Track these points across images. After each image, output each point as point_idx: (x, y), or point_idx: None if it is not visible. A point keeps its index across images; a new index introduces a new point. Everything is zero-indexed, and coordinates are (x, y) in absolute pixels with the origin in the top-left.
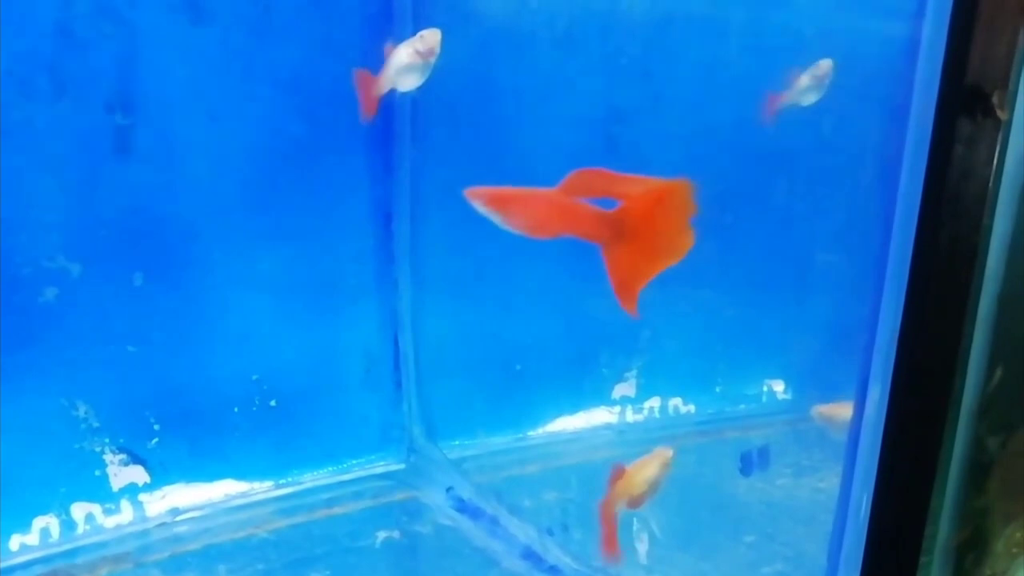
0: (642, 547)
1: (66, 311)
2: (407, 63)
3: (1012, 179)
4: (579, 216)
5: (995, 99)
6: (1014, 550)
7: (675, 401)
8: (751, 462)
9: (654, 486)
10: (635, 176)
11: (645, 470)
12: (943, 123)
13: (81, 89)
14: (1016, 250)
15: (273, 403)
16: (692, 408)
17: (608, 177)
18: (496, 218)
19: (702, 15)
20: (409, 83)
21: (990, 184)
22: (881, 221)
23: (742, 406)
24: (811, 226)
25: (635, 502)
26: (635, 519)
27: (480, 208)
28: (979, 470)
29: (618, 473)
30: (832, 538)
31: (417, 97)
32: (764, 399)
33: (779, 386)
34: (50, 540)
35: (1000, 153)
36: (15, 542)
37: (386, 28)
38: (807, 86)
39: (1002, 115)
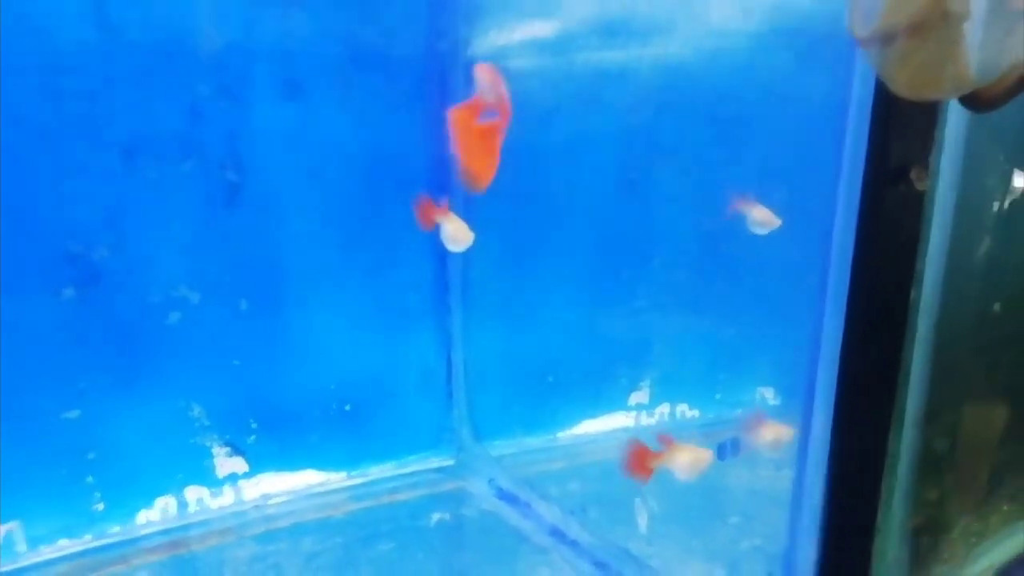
0: (643, 522)
1: (186, 331)
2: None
3: (941, 231)
4: None
5: (913, 174)
6: (972, 539)
7: (682, 407)
8: (726, 449)
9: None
10: None
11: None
12: (871, 192)
13: (202, 153)
14: (949, 288)
15: (347, 408)
16: (696, 413)
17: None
18: None
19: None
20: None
21: (919, 236)
22: (822, 265)
23: (738, 410)
24: (780, 266)
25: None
26: (637, 500)
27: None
28: (930, 466)
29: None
30: (791, 516)
31: None
32: (757, 404)
33: (769, 393)
34: (169, 516)
35: (927, 213)
36: (142, 517)
37: (442, 100)
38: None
39: (921, 186)
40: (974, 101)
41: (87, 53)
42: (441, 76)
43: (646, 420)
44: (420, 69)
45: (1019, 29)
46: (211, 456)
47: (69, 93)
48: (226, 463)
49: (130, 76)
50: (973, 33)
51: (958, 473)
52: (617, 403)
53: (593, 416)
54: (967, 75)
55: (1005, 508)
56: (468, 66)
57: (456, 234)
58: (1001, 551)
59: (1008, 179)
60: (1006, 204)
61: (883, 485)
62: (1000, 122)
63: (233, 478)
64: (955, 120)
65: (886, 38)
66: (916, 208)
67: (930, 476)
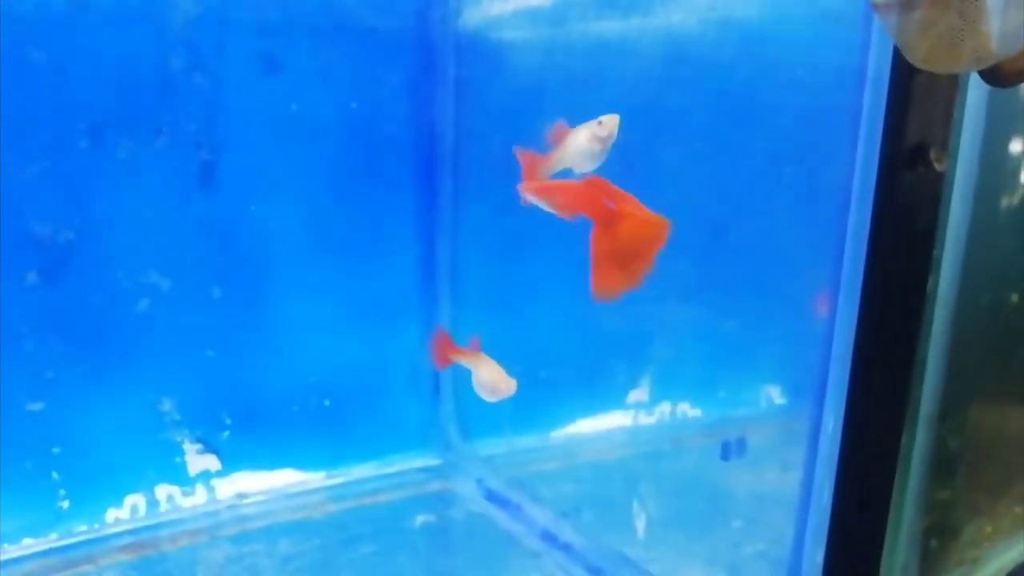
0: (640, 525)
1: (156, 320)
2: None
3: (959, 216)
4: (593, 202)
5: (933, 154)
6: (983, 542)
7: (683, 406)
8: (729, 449)
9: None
10: (634, 198)
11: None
12: (888, 173)
13: (174, 130)
14: (967, 278)
15: (327, 403)
16: (699, 412)
17: (615, 190)
18: (542, 204)
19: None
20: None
21: (937, 221)
22: (835, 253)
23: (742, 410)
24: (789, 255)
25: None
26: (635, 502)
27: (530, 199)
28: (943, 466)
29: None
30: (798, 517)
31: (458, 137)
32: (762, 403)
33: (775, 391)
34: (138, 515)
35: (946, 196)
36: (110, 515)
37: (431, 75)
38: None
39: (939, 167)
40: (995, 75)
41: (52, 23)
42: (430, 49)
43: (645, 419)
44: (408, 41)
45: None
46: (182, 453)
47: (33, 66)
48: (198, 460)
49: (98, 48)
50: (995, 4)
51: (971, 473)
52: (614, 401)
53: (589, 415)
54: (989, 48)
55: (1017, 510)
56: (459, 38)
57: (495, 383)
58: (1012, 555)
59: None
60: None
61: (895, 486)
62: (1020, 100)
63: (206, 476)
64: (974, 97)
65: (906, 5)
66: (935, 191)
67: (943, 476)
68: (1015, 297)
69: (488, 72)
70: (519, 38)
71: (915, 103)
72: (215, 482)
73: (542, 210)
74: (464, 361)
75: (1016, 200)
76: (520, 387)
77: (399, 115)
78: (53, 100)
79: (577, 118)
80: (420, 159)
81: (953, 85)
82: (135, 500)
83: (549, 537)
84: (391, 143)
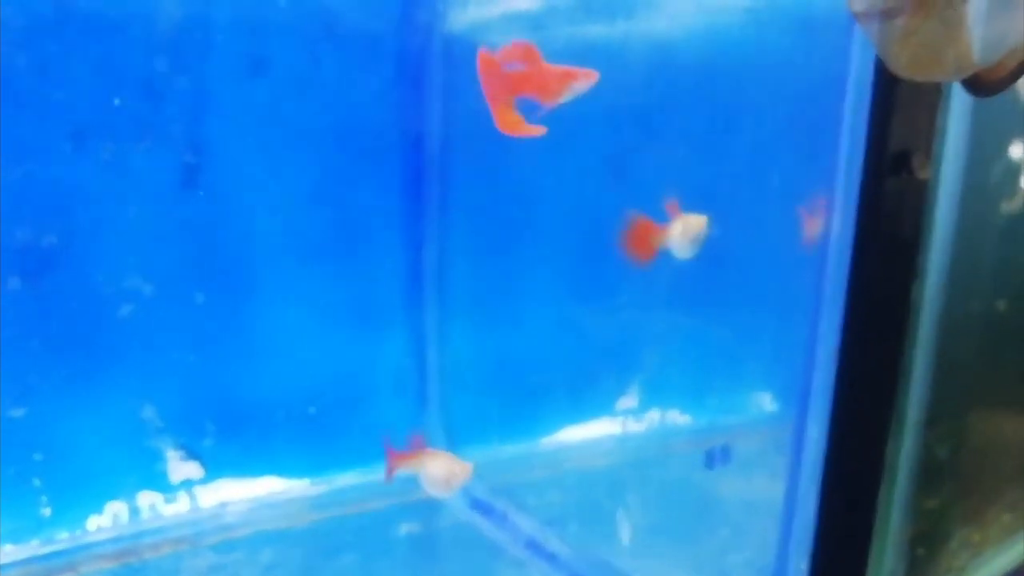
0: (626, 534)
1: (139, 325)
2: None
3: (944, 224)
4: None
5: (915, 161)
6: (971, 550)
7: (672, 413)
8: (714, 457)
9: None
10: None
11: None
12: (871, 181)
13: (158, 133)
14: (952, 285)
15: (312, 411)
16: (687, 419)
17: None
18: None
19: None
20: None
21: (921, 229)
22: (819, 260)
23: (731, 417)
24: (776, 262)
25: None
26: (620, 511)
27: None
28: (930, 474)
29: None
30: (782, 526)
31: (444, 141)
32: (751, 411)
33: (764, 398)
34: (120, 523)
35: (930, 203)
36: (92, 523)
37: (417, 79)
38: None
39: (922, 175)
40: (976, 84)
41: (36, 25)
42: (418, 51)
43: (634, 427)
44: (393, 45)
45: (1022, 11)
46: (165, 460)
47: (15, 69)
48: (181, 468)
49: (81, 50)
50: (976, 13)
51: (959, 481)
52: (603, 408)
53: (577, 422)
54: (969, 56)
55: (1005, 518)
56: (445, 42)
57: (449, 472)
58: (1000, 563)
59: (1014, 168)
60: (1012, 195)
61: (880, 494)
62: (1005, 108)
63: (188, 484)
64: (958, 105)
65: (887, 13)
66: (918, 198)
67: (930, 484)
68: (1001, 304)
69: (475, 76)
70: (504, 42)
71: (898, 110)
72: (197, 490)
73: (533, 217)
74: (411, 465)
75: (1001, 207)
76: (508, 394)
77: (385, 119)
78: (36, 103)
79: (568, 119)
80: (406, 163)
81: (937, 92)
82: (117, 508)
83: (534, 546)
84: (377, 147)
